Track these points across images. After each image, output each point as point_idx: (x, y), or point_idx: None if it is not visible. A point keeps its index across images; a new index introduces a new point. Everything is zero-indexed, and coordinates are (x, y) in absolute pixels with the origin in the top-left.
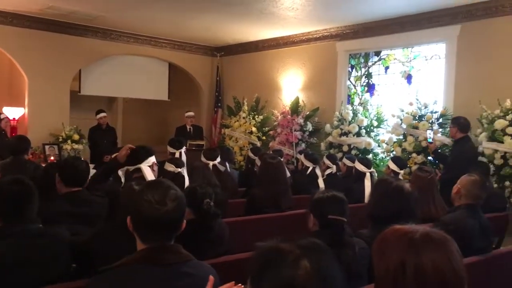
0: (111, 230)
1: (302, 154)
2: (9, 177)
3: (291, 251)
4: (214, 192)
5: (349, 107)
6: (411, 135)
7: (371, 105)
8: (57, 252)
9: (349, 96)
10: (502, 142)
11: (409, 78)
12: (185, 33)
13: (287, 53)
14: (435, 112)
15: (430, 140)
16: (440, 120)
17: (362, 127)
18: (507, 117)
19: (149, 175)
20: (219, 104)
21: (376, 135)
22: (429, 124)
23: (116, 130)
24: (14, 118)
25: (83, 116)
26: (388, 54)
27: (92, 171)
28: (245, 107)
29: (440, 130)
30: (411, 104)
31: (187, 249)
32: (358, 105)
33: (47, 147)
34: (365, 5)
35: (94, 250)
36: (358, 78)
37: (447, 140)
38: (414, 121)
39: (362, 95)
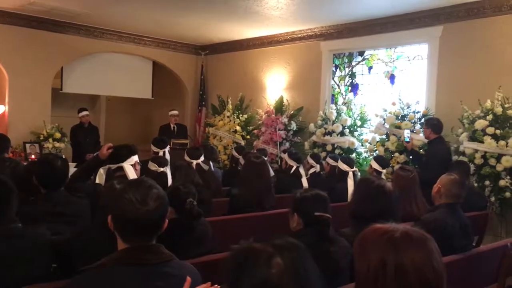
0: (92, 229)
1: (286, 154)
2: None
3: (264, 250)
4: (197, 191)
5: (333, 106)
6: (393, 134)
7: (354, 104)
8: (37, 252)
9: (333, 95)
10: (482, 142)
11: (392, 78)
12: (169, 31)
13: (272, 52)
14: (418, 112)
15: (408, 140)
16: (422, 120)
17: (346, 127)
18: (487, 117)
19: (131, 174)
20: (204, 103)
21: (359, 135)
22: (412, 124)
23: (99, 128)
24: None
25: (65, 114)
26: (371, 54)
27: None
28: (230, 106)
29: (422, 130)
30: (394, 104)
31: (170, 248)
32: (342, 104)
33: (28, 145)
34: (348, 6)
35: (74, 250)
36: (342, 78)
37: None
38: (397, 121)
39: (346, 95)
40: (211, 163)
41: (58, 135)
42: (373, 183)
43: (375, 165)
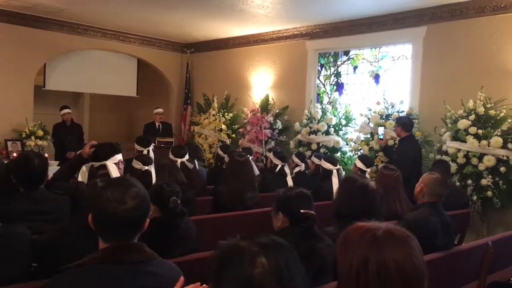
0: (73, 228)
1: (271, 152)
2: None
3: (249, 249)
4: (181, 190)
5: (318, 105)
6: (378, 134)
7: (339, 104)
8: (16, 252)
9: (318, 94)
10: (465, 142)
11: (376, 78)
12: (154, 29)
13: (257, 51)
14: (402, 112)
15: (381, 137)
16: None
17: (331, 126)
18: (470, 117)
19: (114, 173)
20: (189, 101)
21: (344, 134)
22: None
23: (83, 126)
24: None
25: (48, 112)
26: (356, 54)
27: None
28: (215, 105)
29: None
30: (378, 103)
31: (153, 247)
32: (327, 103)
33: (9, 143)
34: (334, 5)
35: (55, 249)
36: (327, 77)
37: None
38: (381, 120)
39: (331, 94)
40: (196, 162)
41: (40, 132)
42: (357, 181)
43: (360, 164)
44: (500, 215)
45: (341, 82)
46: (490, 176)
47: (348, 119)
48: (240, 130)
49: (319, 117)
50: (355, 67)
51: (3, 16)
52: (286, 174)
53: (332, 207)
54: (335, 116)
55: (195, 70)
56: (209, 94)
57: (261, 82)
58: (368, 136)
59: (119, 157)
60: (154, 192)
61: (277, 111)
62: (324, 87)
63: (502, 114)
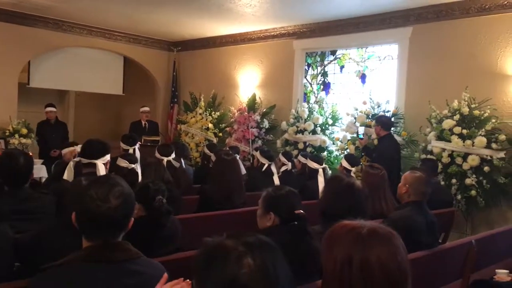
0: (57, 227)
1: (258, 151)
2: None
3: (235, 248)
4: (167, 188)
5: (305, 105)
6: (358, 133)
7: (326, 103)
8: None
9: (305, 94)
10: (450, 141)
11: (363, 77)
12: (140, 27)
13: (245, 50)
14: (388, 111)
15: (361, 136)
16: (392, 119)
17: (318, 125)
18: (455, 117)
19: (102, 172)
20: (175, 100)
21: (331, 133)
22: None
23: (68, 124)
24: None
25: (33, 110)
26: (343, 54)
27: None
28: (202, 103)
29: (392, 129)
30: (364, 103)
31: (139, 246)
32: (314, 103)
33: None
34: (321, 5)
35: (38, 248)
36: (314, 77)
37: (398, 139)
38: (367, 120)
39: (318, 94)
40: (182, 161)
41: (24, 130)
42: (343, 180)
43: (345, 163)
44: (483, 214)
45: (328, 82)
46: (474, 176)
47: (335, 119)
48: (227, 129)
49: (306, 116)
50: (342, 67)
51: None
52: (272, 173)
53: (318, 206)
54: (321, 115)
55: (182, 69)
56: (196, 92)
57: (248, 81)
58: (355, 135)
59: (108, 157)
60: (140, 191)
61: (264, 110)
62: (311, 86)
63: (486, 114)
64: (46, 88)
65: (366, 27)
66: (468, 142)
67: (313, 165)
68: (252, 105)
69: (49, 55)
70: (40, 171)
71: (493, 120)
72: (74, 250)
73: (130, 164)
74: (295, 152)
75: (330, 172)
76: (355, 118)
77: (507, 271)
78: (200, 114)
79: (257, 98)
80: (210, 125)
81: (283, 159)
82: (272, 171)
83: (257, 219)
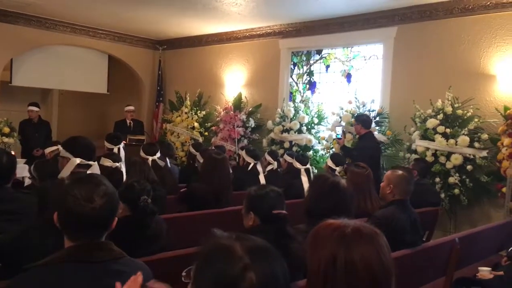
0: (40, 227)
1: (244, 150)
2: None
3: (241, 258)
4: (152, 188)
5: (291, 104)
6: (349, 132)
7: (312, 102)
8: None
9: (291, 93)
10: (434, 140)
11: (348, 77)
12: (125, 25)
13: (231, 49)
14: (373, 111)
15: (339, 136)
16: (377, 119)
17: (303, 124)
18: (438, 116)
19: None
20: (161, 99)
21: (316, 132)
22: None
23: (51, 123)
24: None
25: (15, 108)
26: (329, 53)
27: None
28: (188, 102)
29: (377, 128)
30: (350, 102)
31: (122, 246)
32: (300, 102)
33: None
34: (307, 4)
35: (20, 249)
36: (300, 76)
37: (383, 138)
38: (352, 119)
39: (303, 93)
40: (167, 160)
41: (7, 130)
42: (328, 180)
43: (330, 163)
44: (467, 212)
45: (314, 81)
46: (457, 174)
47: (320, 118)
48: (213, 128)
49: (291, 115)
50: (328, 66)
51: None
52: (258, 172)
53: (303, 205)
54: (307, 114)
55: (167, 67)
56: (182, 91)
57: (234, 80)
58: (339, 135)
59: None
60: (125, 190)
61: (250, 109)
62: (297, 85)
63: (469, 114)
64: (29, 86)
65: (352, 26)
66: (452, 141)
67: (296, 164)
68: (238, 104)
69: (32, 53)
70: (23, 170)
71: (476, 120)
72: (57, 250)
73: (114, 163)
74: (281, 151)
75: (315, 171)
76: (340, 117)
77: (489, 268)
78: (185, 113)
79: (243, 97)
80: (196, 124)
81: (269, 158)
82: (258, 170)
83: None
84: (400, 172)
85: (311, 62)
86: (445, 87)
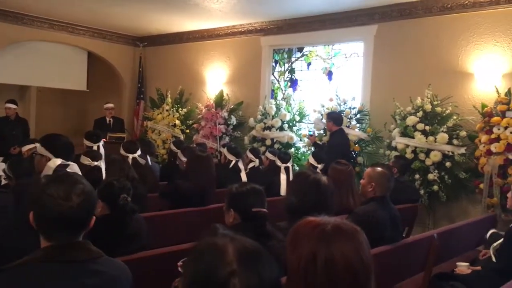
0: (16, 226)
1: (225, 148)
2: None
3: (230, 263)
4: (132, 186)
5: (273, 101)
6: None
7: (293, 100)
8: None
9: (272, 90)
10: (413, 138)
11: (329, 74)
12: (105, 21)
13: (212, 46)
14: (354, 108)
15: (311, 133)
16: (358, 116)
17: (285, 122)
18: (418, 114)
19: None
20: (142, 96)
21: (298, 130)
22: (348, 120)
23: (29, 121)
24: None
25: None
26: (310, 51)
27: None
28: (169, 100)
29: (358, 125)
30: (331, 100)
31: (102, 245)
32: (281, 100)
33: None
34: (288, 2)
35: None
36: (282, 73)
37: (364, 135)
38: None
39: (285, 90)
40: (148, 158)
41: None
42: (309, 177)
43: (311, 160)
44: (445, 208)
45: (295, 79)
46: (436, 171)
47: (302, 115)
48: (194, 125)
49: (273, 113)
50: (309, 64)
51: None
52: (240, 170)
53: (284, 202)
54: (289, 112)
55: (148, 64)
56: (163, 89)
57: (215, 78)
58: (321, 132)
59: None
60: (104, 188)
61: (232, 106)
62: (279, 83)
63: (447, 111)
64: (6, 83)
65: (333, 24)
66: (431, 138)
67: (277, 162)
68: (220, 102)
69: (9, 49)
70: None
71: (454, 117)
72: (34, 250)
73: (92, 162)
74: (262, 148)
75: (297, 168)
76: (321, 114)
77: (467, 264)
78: (167, 110)
79: (224, 94)
80: (177, 122)
81: (250, 155)
82: (239, 167)
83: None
84: (380, 169)
85: (293, 59)
86: (425, 85)
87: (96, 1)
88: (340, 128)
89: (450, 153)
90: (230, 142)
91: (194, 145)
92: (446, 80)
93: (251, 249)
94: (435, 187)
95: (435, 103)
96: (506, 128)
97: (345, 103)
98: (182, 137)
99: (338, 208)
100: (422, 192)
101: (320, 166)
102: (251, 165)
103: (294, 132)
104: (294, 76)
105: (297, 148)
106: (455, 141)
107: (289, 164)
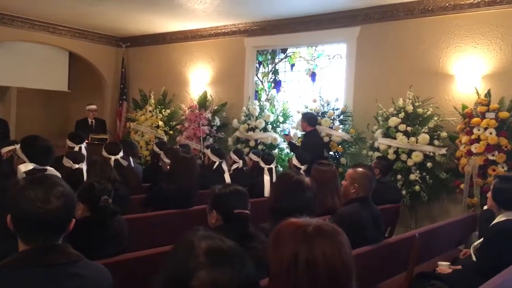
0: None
1: (209, 149)
2: None
3: (197, 257)
4: (114, 188)
5: (256, 102)
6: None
7: (277, 101)
8: None
9: (256, 91)
10: (395, 138)
11: (313, 75)
12: (87, 21)
13: (196, 46)
14: (337, 109)
15: (286, 133)
16: (341, 117)
17: (269, 123)
18: (400, 115)
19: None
20: (124, 97)
21: (282, 131)
22: (331, 121)
23: (9, 122)
24: None
25: None
26: (293, 52)
27: None
28: (152, 101)
29: (341, 126)
30: (314, 101)
31: (82, 248)
32: (265, 101)
33: None
34: (271, 3)
35: None
36: (265, 74)
37: (347, 136)
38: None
39: (269, 91)
40: (130, 159)
41: None
42: (292, 178)
43: (295, 161)
44: (427, 208)
45: (279, 80)
46: (418, 171)
47: (286, 116)
48: (178, 126)
49: (257, 114)
50: (292, 65)
51: None
52: (223, 171)
53: (268, 203)
54: (272, 113)
55: (131, 65)
56: (146, 89)
57: (199, 79)
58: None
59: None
60: (84, 190)
61: (215, 107)
62: (262, 84)
63: (429, 112)
64: None
65: (316, 26)
66: (412, 139)
67: (261, 163)
68: (203, 103)
69: None
70: None
71: (435, 118)
72: (12, 254)
73: (74, 164)
74: (246, 149)
75: (281, 169)
76: None
77: (448, 263)
78: (150, 111)
79: (208, 95)
80: (161, 123)
81: (234, 157)
82: (223, 169)
83: None
84: (362, 170)
85: (276, 60)
86: (406, 86)
87: (77, 1)
88: (314, 129)
89: (431, 154)
90: (214, 143)
91: (178, 146)
92: (428, 82)
93: (224, 248)
94: (417, 187)
95: (416, 104)
96: (486, 129)
97: (328, 104)
98: (165, 138)
99: (322, 208)
100: (404, 192)
101: (303, 167)
102: (234, 166)
103: (278, 133)
104: (278, 77)
105: (281, 149)
106: (436, 142)
107: (273, 165)
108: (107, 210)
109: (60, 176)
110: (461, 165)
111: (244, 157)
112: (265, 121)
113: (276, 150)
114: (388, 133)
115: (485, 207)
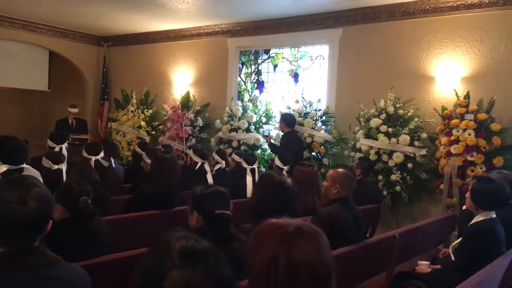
0: None
1: (191, 150)
2: None
3: (171, 257)
4: (94, 189)
5: (239, 103)
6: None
7: (260, 101)
8: None
9: (239, 92)
10: (377, 139)
11: (296, 76)
12: (67, 20)
13: (178, 47)
14: (319, 110)
15: (266, 134)
16: (323, 118)
17: (252, 123)
18: (381, 116)
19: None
20: (106, 97)
21: (264, 132)
22: (313, 121)
23: None
24: None
25: None
26: (276, 53)
27: None
28: (134, 101)
29: (323, 127)
30: (297, 102)
31: (61, 250)
32: (248, 101)
33: None
34: (254, 4)
35: None
36: (248, 75)
37: (329, 137)
38: (299, 118)
39: (251, 92)
40: (112, 160)
41: None
42: (274, 178)
43: (277, 162)
44: (408, 208)
45: (262, 80)
46: (398, 172)
47: (268, 117)
48: (160, 127)
49: (240, 114)
50: (275, 66)
51: None
52: (206, 172)
53: (249, 204)
54: (255, 113)
55: (112, 65)
56: (128, 89)
57: (182, 79)
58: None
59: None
60: (62, 191)
61: (198, 108)
62: (245, 84)
63: (409, 114)
64: None
65: (298, 27)
66: (393, 140)
67: (243, 164)
68: (186, 103)
69: None
70: None
71: (416, 119)
72: None
73: (53, 165)
74: (229, 150)
75: (263, 170)
76: None
77: (428, 262)
78: (132, 111)
79: (191, 96)
80: (143, 123)
81: (216, 157)
82: (205, 169)
83: None
84: (343, 170)
85: (259, 61)
86: (388, 88)
87: (58, 0)
88: (292, 130)
89: (412, 155)
90: (197, 144)
91: (160, 147)
92: (408, 83)
93: (198, 248)
94: (398, 188)
95: (397, 105)
96: (464, 130)
97: (311, 105)
98: (147, 138)
99: (304, 209)
100: (385, 192)
101: (286, 168)
102: (217, 167)
103: (260, 133)
104: (261, 78)
105: (264, 150)
106: (416, 143)
107: (255, 166)
108: (86, 211)
109: (38, 175)
110: (441, 165)
111: (227, 158)
112: (248, 121)
113: (259, 151)
114: (370, 134)
115: (464, 207)
